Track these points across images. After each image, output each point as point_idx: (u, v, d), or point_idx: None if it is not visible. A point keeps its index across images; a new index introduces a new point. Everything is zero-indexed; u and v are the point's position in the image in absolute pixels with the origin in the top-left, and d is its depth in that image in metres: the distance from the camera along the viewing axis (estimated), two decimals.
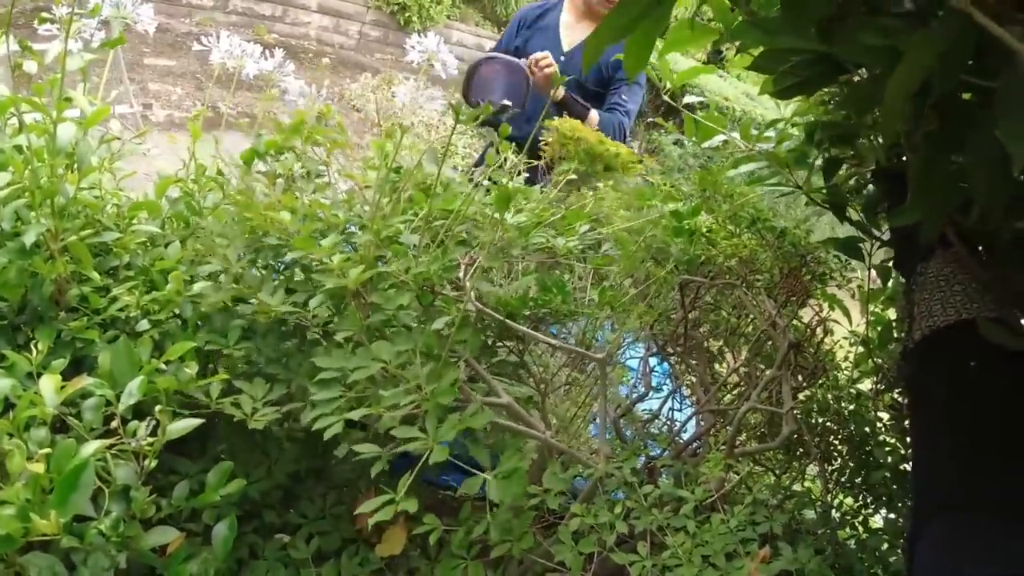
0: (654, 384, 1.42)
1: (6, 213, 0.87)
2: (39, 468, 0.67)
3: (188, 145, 1.21)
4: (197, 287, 0.94)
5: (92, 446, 0.72)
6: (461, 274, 0.91)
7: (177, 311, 0.98)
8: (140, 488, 0.76)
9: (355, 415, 0.71)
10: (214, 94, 2.52)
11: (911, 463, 0.97)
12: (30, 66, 0.86)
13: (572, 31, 2.43)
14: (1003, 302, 0.89)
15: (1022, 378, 0.81)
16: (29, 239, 0.84)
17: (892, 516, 1.21)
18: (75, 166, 0.92)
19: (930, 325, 0.88)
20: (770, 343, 1.34)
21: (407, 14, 6.93)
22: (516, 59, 2.11)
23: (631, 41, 0.78)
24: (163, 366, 0.89)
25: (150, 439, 0.75)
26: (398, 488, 0.68)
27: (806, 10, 0.67)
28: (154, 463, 0.77)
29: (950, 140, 0.84)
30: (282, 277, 1.07)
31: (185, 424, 0.78)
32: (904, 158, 0.98)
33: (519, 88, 2.07)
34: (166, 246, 1.06)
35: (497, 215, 0.88)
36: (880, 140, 1.04)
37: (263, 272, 1.07)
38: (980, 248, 0.93)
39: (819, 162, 1.15)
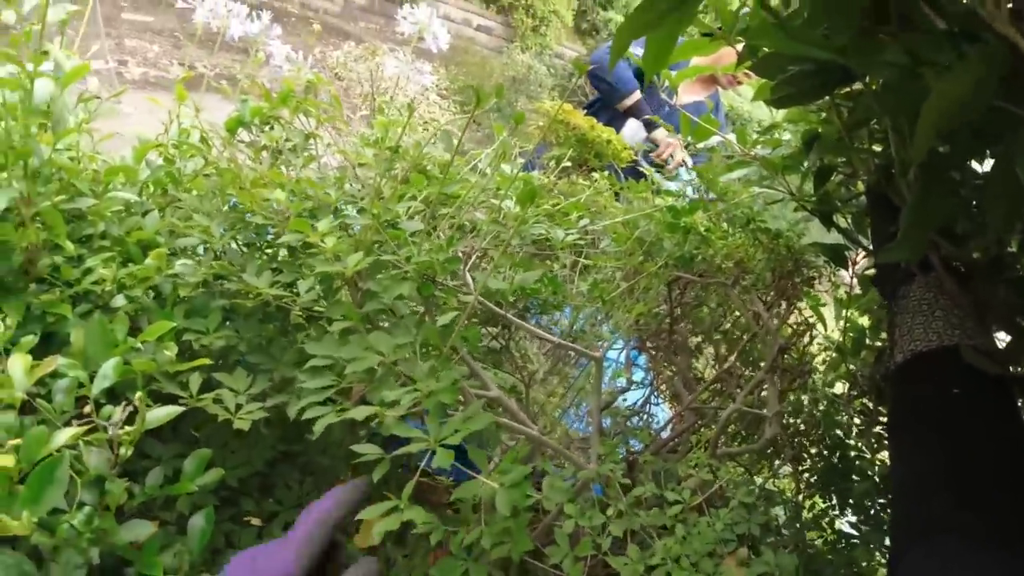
0: (636, 378, 1.41)
1: None
2: (9, 461, 0.62)
3: (166, 106, 1.14)
4: (178, 265, 0.89)
5: (65, 434, 0.67)
6: (462, 265, 0.88)
7: (155, 286, 0.93)
8: (115, 480, 0.71)
9: (358, 414, 0.68)
10: (192, 54, 2.41)
11: (892, 484, 0.98)
12: (8, 16, 0.79)
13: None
14: (983, 327, 0.90)
15: (1004, 404, 0.83)
16: (0, 204, 0.78)
17: (861, 519, 1.23)
18: (50, 126, 0.86)
19: (912, 349, 0.88)
20: (751, 342, 1.35)
21: None
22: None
23: (652, 39, 0.75)
24: (140, 346, 0.84)
25: (127, 428, 0.71)
26: (403, 495, 0.65)
27: (845, 17, 0.65)
28: (129, 451, 0.73)
29: (951, 167, 0.83)
30: (264, 256, 1.02)
31: (166, 412, 0.73)
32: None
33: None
34: (143, 215, 1.00)
35: (503, 203, 0.85)
36: (874, 158, 1.04)
37: (245, 249, 1.02)
38: (960, 271, 0.94)
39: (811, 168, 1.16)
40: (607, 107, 2.54)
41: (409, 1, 1.19)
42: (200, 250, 1.03)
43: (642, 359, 1.53)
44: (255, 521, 0.99)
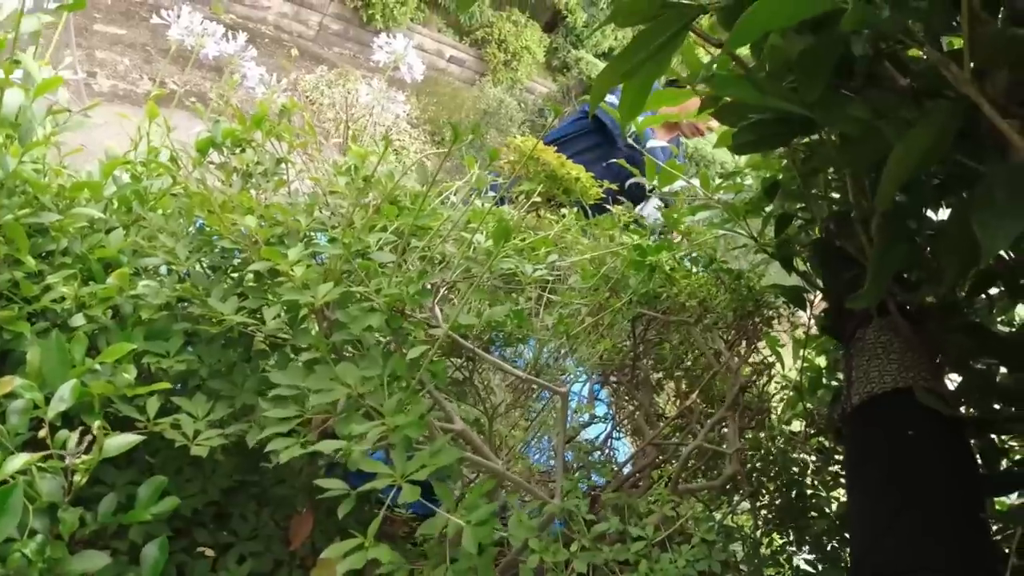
0: (598, 412, 1.42)
1: None
2: None
3: (135, 121, 1.13)
4: (141, 286, 0.87)
5: (19, 459, 0.65)
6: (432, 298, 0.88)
7: (115, 306, 0.91)
8: (68, 508, 0.69)
9: (325, 448, 0.67)
10: (163, 70, 2.39)
11: (849, 524, 1.00)
12: None
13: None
14: (936, 369, 0.93)
15: (956, 444, 0.86)
16: None
17: (818, 556, 1.25)
18: (17, 137, 0.84)
19: (868, 391, 0.91)
20: (712, 380, 1.37)
21: (370, 11, 6.80)
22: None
23: (628, 86, 0.77)
24: (97, 367, 0.82)
25: (84, 456, 0.69)
26: (368, 532, 0.64)
27: (818, 74, 0.68)
28: (84, 479, 0.71)
29: (909, 216, 0.87)
30: (230, 280, 1.00)
31: (125, 440, 0.71)
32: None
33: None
34: (107, 232, 0.98)
35: (474, 237, 0.86)
36: (831, 205, 1.08)
37: (210, 273, 1.01)
38: (914, 315, 0.97)
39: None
40: (581, 138, 2.59)
41: (385, 30, 1.20)
42: (164, 270, 1.02)
43: (604, 392, 1.54)
44: (209, 552, 0.97)
